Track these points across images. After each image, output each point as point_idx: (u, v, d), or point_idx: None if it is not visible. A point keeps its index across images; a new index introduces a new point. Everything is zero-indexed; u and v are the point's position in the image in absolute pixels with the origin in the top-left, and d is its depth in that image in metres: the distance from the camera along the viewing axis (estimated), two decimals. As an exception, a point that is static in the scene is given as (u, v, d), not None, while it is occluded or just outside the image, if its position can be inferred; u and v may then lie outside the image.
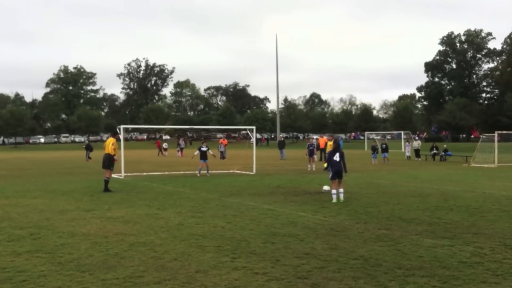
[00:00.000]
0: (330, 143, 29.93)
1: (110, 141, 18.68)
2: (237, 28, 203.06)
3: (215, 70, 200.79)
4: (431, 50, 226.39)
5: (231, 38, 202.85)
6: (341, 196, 15.17)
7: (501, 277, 7.16)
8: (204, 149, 25.82)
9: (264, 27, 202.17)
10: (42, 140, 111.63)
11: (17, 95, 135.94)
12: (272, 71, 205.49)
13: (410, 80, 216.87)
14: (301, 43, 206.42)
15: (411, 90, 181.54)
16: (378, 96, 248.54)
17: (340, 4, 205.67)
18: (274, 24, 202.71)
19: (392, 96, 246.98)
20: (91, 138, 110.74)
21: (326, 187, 16.97)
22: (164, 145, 56.96)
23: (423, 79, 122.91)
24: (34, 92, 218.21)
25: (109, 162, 18.38)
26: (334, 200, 15.02)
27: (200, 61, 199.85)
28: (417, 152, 43.14)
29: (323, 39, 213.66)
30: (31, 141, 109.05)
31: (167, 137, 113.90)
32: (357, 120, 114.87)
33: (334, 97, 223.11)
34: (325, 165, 28.71)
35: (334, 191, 15.24)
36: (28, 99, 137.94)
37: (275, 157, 44.47)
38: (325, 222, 11.53)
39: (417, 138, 57.06)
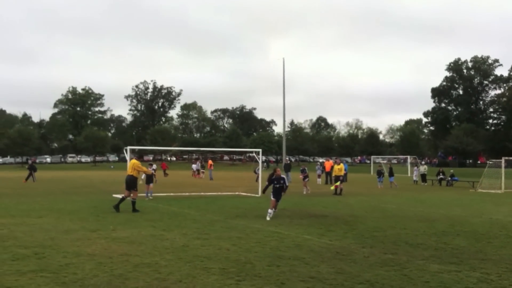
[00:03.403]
0: (338, 166, 29.97)
1: (133, 163, 18.83)
2: (236, 50, 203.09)
3: (221, 93, 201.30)
4: (435, 75, 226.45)
5: (232, 60, 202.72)
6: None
7: (509, 304, 7.09)
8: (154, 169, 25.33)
9: (263, 50, 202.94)
10: (49, 160, 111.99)
11: (24, 115, 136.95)
12: (276, 93, 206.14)
13: (415, 105, 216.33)
14: (300, 65, 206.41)
15: (416, 115, 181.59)
16: (383, 121, 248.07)
17: (335, 26, 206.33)
18: (272, 46, 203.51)
19: (397, 120, 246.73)
20: (98, 158, 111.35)
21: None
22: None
23: (429, 104, 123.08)
24: (42, 112, 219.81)
25: (133, 183, 18.51)
26: (268, 218, 16.15)
27: (205, 84, 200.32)
28: (423, 177, 43.02)
29: (321, 61, 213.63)
30: (37, 160, 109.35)
31: (173, 158, 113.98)
32: (363, 144, 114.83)
33: (341, 121, 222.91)
34: (332, 187, 28.76)
35: (271, 211, 16.44)
36: (35, 119, 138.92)
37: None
38: (330, 246, 11.46)
39: (423, 162, 56.91)
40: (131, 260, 9.61)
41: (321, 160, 71.77)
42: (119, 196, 24.15)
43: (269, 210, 16.52)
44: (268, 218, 16.17)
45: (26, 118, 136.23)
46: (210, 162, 49.69)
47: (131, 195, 18.42)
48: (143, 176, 24.43)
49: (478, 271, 9.06)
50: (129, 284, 7.89)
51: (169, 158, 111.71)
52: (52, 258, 9.73)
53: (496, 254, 10.72)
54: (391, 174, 37.63)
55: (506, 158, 36.54)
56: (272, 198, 16.78)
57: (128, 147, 25.72)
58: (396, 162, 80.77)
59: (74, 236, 12.41)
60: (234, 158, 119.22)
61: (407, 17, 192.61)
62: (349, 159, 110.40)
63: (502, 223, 16.28)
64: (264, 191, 17.80)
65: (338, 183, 28.58)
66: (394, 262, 9.78)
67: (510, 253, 10.87)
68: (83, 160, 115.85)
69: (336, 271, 8.95)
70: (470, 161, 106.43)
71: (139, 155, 20.61)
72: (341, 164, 30.95)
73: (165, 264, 9.31)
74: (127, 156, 24.73)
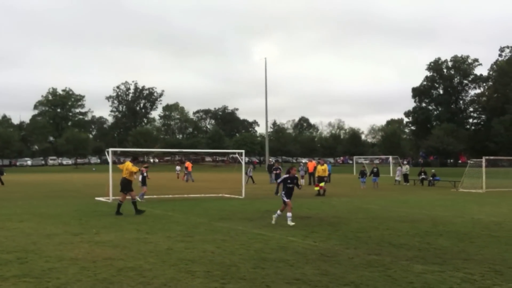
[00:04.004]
0: (322, 167, 30.03)
1: (127, 165, 18.71)
2: (218, 53, 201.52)
3: (203, 94, 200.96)
4: (417, 75, 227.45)
5: (214, 63, 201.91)
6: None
7: (492, 303, 7.15)
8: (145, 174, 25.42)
9: (246, 52, 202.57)
10: (29, 162, 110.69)
11: (4, 117, 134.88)
12: (258, 95, 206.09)
13: (397, 105, 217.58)
14: (282, 67, 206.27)
15: (397, 115, 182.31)
16: (364, 121, 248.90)
17: (317, 29, 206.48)
18: (254, 48, 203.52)
19: (379, 121, 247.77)
20: (79, 160, 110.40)
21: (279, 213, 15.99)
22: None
23: (410, 104, 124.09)
24: (22, 114, 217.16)
25: (126, 186, 18.37)
26: (292, 223, 15.17)
27: (187, 85, 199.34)
28: (405, 177, 43.31)
29: (304, 63, 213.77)
30: (18, 163, 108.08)
31: (156, 160, 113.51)
32: (345, 145, 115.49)
33: (323, 121, 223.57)
34: (316, 188, 28.81)
35: (290, 214, 15.40)
36: (15, 121, 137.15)
37: (264, 181, 44.37)
38: (315, 247, 11.49)
39: (405, 162, 57.29)
40: (115, 264, 9.53)
41: (304, 160, 71.80)
42: (102, 199, 24.06)
43: (288, 214, 15.40)
44: (291, 223, 15.19)
45: (5, 120, 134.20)
46: (187, 164, 47.91)
47: (120, 198, 18.34)
48: (140, 178, 24.37)
49: (461, 271, 9.13)
50: (113, 288, 7.83)
51: (151, 160, 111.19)
52: (34, 263, 9.63)
53: (479, 254, 10.83)
54: (376, 174, 37.75)
55: (487, 157, 36.94)
56: (286, 200, 15.52)
57: (110, 149, 25.58)
58: (378, 162, 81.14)
59: (57, 240, 12.29)
60: (217, 159, 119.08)
61: (388, 20, 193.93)
62: (331, 160, 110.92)
63: (484, 222, 16.45)
64: (277, 192, 16.20)
65: (322, 184, 28.64)
66: (378, 263, 9.83)
67: (492, 253, 10.98)
68: (64, 162, 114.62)
69: (320, 272, 8.97)
70: (451, 160, 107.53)
71: (133, 157, 20.56)
72: (325, 165, 30.99)
73: (149, 268, 9.26)
74: (109, 158, 24.60)
